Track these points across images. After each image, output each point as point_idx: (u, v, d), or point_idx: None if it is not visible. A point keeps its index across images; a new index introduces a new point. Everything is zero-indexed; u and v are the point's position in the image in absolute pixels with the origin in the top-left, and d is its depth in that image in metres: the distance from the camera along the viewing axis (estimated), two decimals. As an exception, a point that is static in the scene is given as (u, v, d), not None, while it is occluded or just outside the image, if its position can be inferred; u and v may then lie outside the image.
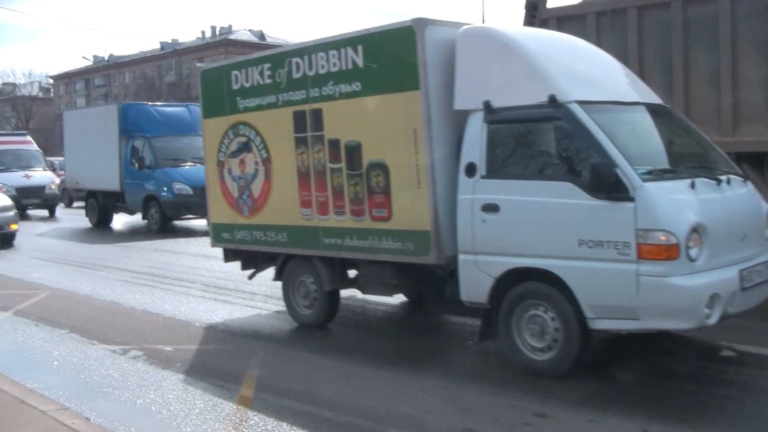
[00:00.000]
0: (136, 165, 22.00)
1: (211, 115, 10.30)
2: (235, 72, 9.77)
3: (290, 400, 6.80)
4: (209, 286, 12.47)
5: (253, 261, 10.36)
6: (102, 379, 7.54)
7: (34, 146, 29.94)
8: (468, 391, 6.92)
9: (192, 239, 19.51)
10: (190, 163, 21.83)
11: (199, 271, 14.16)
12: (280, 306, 10.63)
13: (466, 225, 7.37)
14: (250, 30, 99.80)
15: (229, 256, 10.59)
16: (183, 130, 23.08)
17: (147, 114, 23.33)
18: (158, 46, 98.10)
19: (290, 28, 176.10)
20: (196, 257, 16.02)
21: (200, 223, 22.58)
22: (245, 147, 9.74)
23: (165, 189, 21.04)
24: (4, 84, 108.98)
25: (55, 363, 8.25)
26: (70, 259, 16.51)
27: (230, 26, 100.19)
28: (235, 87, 9.75)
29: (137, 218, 23.21)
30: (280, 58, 9.23)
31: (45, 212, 27.96)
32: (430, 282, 8.36)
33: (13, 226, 19.22)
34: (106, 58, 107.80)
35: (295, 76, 8.92)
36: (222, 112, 10.03)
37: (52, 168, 31.02)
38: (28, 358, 8.54)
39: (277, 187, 9.37)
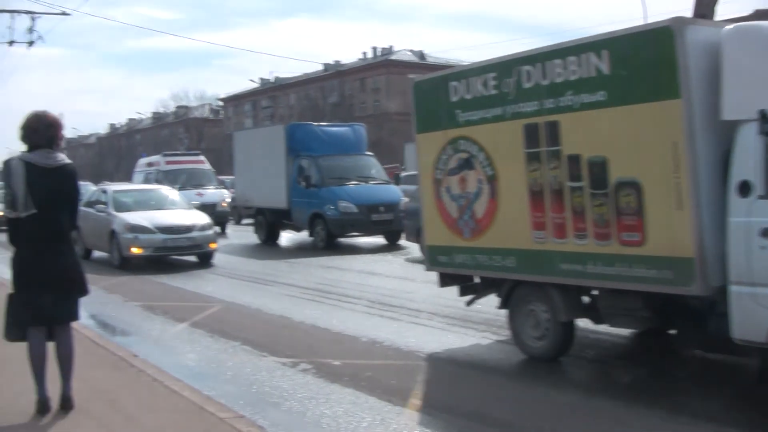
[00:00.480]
0: (303, 183, 22.52)
1: (426, 129, 9.68)
2: (453, 83, 9.09)
3: (457, 418, 6.80)
4: (375, 303, 12.59)
5: (472, 286, 9.69)
6: (273, 390, 7.74)
7: (207, 165, 31.00)
8: (640, 415, 6.74)
9: (357, 256, 19.80)
10: (354, 182, 22.30)
11: (364, 287, 14.33)
12: (446, 323, 10.70)
13: (739, 252, 6.47)
14: (410, 50, 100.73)
15: (446, 280, 9.89)
16: (347, 149, 23.64)
17: (313, 134, 23.87)
18: (321, 67, 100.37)
19: (450, 48, 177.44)
20: (362, 274, 16.25)
21: (365, 241, 22.98)
22: (466, 164, 8.98)
23: (331, 207, 21.44)
24: (178, 107, 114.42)
25: (229, 373, 8.53)
26: (241, 273, 17.08)
27: (391, 47, 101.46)
28: (454, 99, 9.04)
29: (303, 235, 23.73)
30: (507, 66, 8.47)
31: (216, 229, 28.89)
32: (684, 315, 7.39)
33: (212, 245, 18.92)
34: (272, 81, 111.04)
35: (526, 85, 8.18)
36: (439, 126, 9.39)
37: (223, 186, 32.03)
38: (205, 368, 8.87)
39: (505, 207, 8.59)
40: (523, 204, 8.28)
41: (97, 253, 20.19)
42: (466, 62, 9.61)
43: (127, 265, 18.17)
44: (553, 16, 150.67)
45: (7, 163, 6.42)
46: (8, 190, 6.22)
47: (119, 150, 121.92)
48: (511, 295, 8.85)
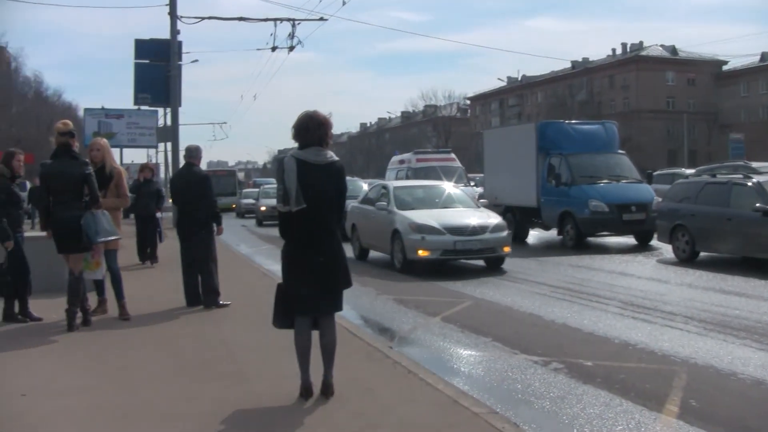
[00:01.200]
0: (553, 182, 22.31)
1: None
2: None
3: (717, 428, 6.47)
4: (627, 304, 12.25)
5: None
6: (525, 388, 7.72)
7: (457, 163, 31.25)
8: None
9: (607, 256, 19.34)
10: (605, 181, 21.86)
11: (615, 288, 14.00)
12: (702, 328, 10.32)
13: None
14: (661, 45, 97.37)
15: None
16: (598, 147, 23.22)
17: (563, 132, 23.58)
18: (569, 65, 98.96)
19: (704, 42, 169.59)
20: (612, 274, 15.89)
21: (614, 241, 22.47)
22: None
23: (581, 206, 21.11)
24: (426, 106, 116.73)
25: (481, 369, 8.62)
26: (490, 270, 16.96)
27: (641, 42, 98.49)
28: None
29: (552, 233, 23.52)
30: None
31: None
32: None
33: (506, 249, 16.93)
34: (519, 79, 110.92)
35: None
36: None
37: (473, 184, 32.13)
38: (456, 362, 8.98)
39: None
40: None
41: (374, 254, 19.69)
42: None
43: (411, 269, 16.71)
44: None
45: (280, 160, 6.82)
46: (281, 185, 6.60)
47: (369, 148, 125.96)
48: None
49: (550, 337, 10.16)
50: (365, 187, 27.32)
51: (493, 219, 17.31)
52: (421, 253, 16.41)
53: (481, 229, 16.62)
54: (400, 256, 17.04)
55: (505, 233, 17.05)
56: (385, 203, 18.21)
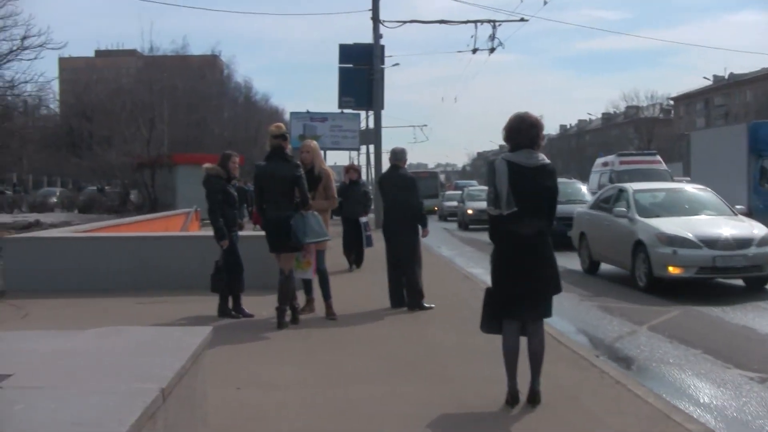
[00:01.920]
0: (766, 186, 21.30)
1: None
2: None
3: None
4: None
5: None
6: (740, 406, 7.36)
7: (663, 165, 30.24)
8: None
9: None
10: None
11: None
12: None
13: None
14: None
15: None
16: (818, 149, 21.97)
17: (778, 133, 22.50)
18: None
19: None
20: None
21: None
22: None
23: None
24: (628, 107, 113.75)
25: (691, 382, 8.28)
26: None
27: None
28: None
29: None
30: None
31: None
32: None
33: None
34: (726, 77, 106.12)
35: None
36: None
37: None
38: (665, 374, 8.66)
39: None
40: None
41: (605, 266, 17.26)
42: None
43: (657, 289, 14.16)
44: None
45: (491, 163, 6.82)
46: (492, 188, 6.61)
47: (569, 150, 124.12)
48: None
49: (767, 353, 9.65)
50: (584, 189, 26.57)
51: (758, 230, 14.29)
52: (671, 270, 13.84)
53: (746, 243, 13.79)
54: (644, 273, 14.45)
55: None
56: (624, 209, 15.65)
